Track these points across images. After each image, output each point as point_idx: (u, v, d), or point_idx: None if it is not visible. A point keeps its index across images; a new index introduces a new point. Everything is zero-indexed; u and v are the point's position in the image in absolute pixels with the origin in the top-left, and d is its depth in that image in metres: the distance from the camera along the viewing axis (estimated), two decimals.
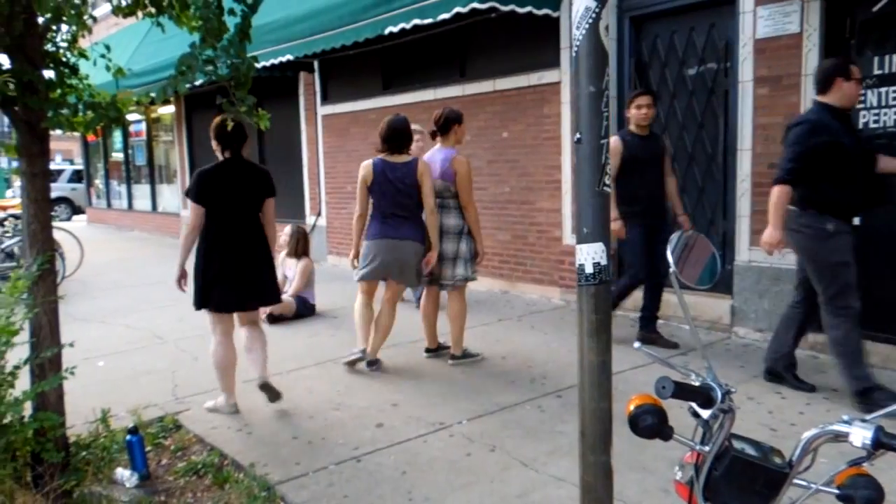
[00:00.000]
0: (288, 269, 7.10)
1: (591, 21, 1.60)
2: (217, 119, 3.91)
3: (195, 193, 4.21)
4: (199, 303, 4.29)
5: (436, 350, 5.39)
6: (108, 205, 17.88)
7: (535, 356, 5.29)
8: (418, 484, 3.36)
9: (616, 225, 5.10)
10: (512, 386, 4.67)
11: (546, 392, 4.53)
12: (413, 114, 7.73)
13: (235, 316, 4.42)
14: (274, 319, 6.64)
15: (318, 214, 10.48)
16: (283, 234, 7.20)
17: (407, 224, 4.89)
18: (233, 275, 4.23)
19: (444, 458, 3.64)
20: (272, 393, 4.35)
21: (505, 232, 7.65)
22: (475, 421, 4.10)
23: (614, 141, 5.11)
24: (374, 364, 5.10)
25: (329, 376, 5.03)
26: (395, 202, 4.86)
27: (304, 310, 6.91)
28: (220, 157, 4.29)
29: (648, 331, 5.44)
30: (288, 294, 6.86)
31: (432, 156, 5.11)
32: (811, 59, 5.03)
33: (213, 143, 4.29)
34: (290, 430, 4.07)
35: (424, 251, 4.97)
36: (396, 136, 4.86)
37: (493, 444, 3.76)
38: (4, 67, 2.98)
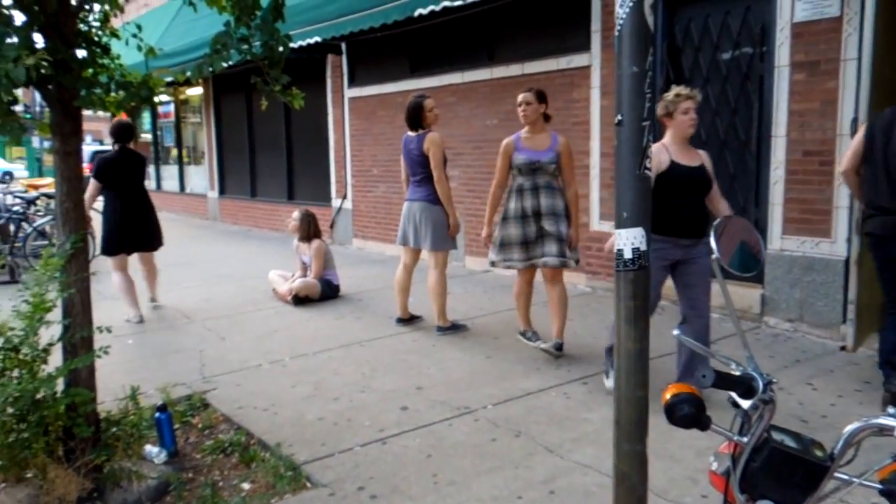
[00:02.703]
0: (304, 255, 7.05)
1: None
2: (114, 120, 6.01)
3: (96, 174, 5.98)
4: (107, 250, 6.11)
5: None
6: None
7: None
8: (443, 467, 3.37)
9: None
10: (537, 372, 4.65)
11: (572, 379, 4.50)
12: (440, 97, 7.70)
13: (138, 262, 6.46)
14: (300, 301, 6.67)
15: (344, 197, 10.49)
16: (291, 218, 7.17)
17: (421, 188, 5.56)
18: (126, 228, 6.09)
19: (469, 442, 3.64)
20: (157, 302, 6.78)
21: None
22: (500, 406, 4.09)
23: None
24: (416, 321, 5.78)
25: (354, 359, 5.04)
26: (412, 170, 5.62)
27: (329, 291, 6.91)
28: (113, 148, 6.09)
29: None
30: (310, 277, 6.88)
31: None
32: (851, 43, 4.90)
33: (111, 137, 6.12)
34: (315, 411, 4.10)
35: (443, 213, 5.49)
36: (409, 114, 5.57)
37: (519, 430, 3.75)
38: (39, 46, 2.99)
